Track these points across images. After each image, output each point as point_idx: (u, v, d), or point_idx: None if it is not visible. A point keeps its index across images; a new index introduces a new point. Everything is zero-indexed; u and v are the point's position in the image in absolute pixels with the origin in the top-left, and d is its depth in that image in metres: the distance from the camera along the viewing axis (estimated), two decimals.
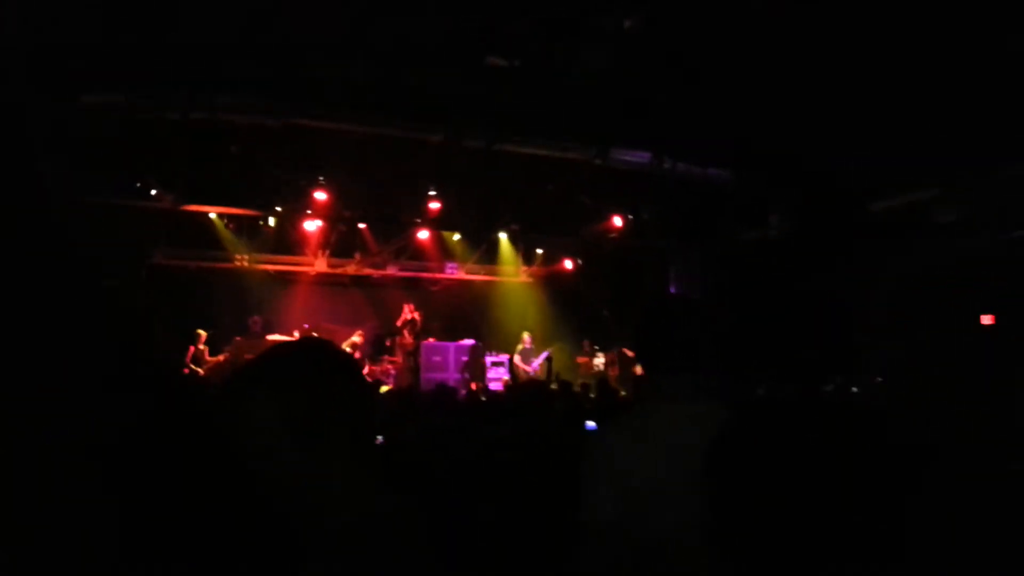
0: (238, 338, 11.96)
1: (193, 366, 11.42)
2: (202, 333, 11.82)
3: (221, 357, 11.74)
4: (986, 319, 9.58)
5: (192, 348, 11.67)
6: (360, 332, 13.01)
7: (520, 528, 2.93)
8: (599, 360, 13.31)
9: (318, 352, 1.40)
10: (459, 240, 14.36)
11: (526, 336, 13.79)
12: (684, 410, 1.90)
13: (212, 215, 12.34)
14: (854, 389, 8.89)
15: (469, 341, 13.33)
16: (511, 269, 15.51)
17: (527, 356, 13.46)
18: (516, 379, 11.40)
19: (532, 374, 12.71)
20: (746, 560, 1.05)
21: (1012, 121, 8.54)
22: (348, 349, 12.62)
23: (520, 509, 3.09)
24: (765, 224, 11.64)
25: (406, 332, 13.22)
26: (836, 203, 10.80)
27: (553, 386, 8.15)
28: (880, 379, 9.37)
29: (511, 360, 13.12)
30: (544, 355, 13.33)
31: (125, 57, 7.48)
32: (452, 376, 12.55)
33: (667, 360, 1.98)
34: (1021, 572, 1.53)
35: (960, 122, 8.71)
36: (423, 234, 13.67)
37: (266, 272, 13.60)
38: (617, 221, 12.69)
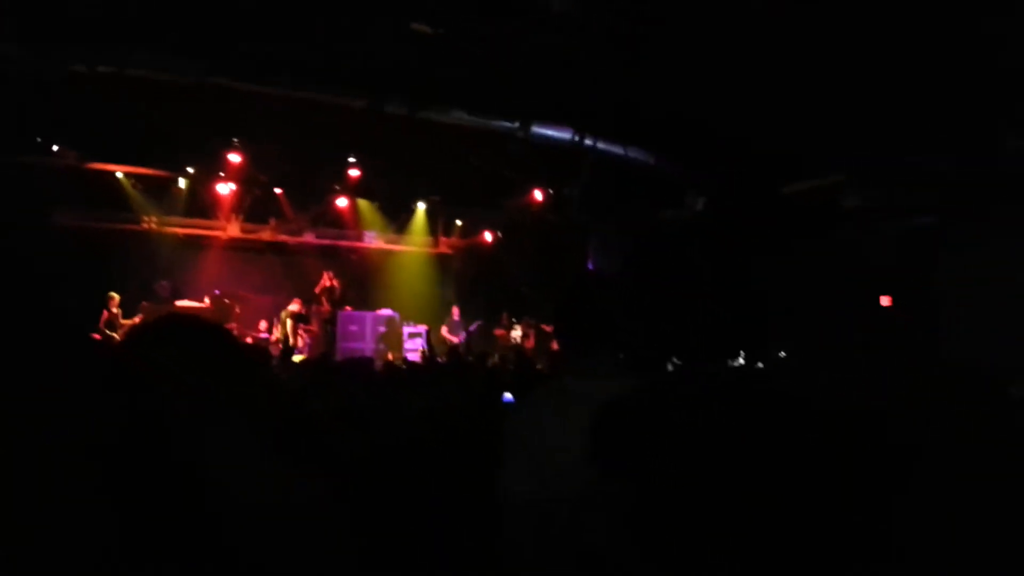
0: (145, 303, 11.52)
1: (107, 331, 10.96)
2: (115, 296, 11.31)
3: (136, 320, 11.27)
4: (885, 300, 10.08)
5: (105, 312, 11.17)
6: (297, 300, 12.73)
7: (437, 504, 2.91)
8: (516, 333, 13.40)
9: (183, 330, 1.31)
10: (379, 209, 14.17)
11: (455, 309, 13.75)
12: (600, 387, 1.91)
13: (119, 174, 11.80)
14: (759, 365, 9.26)
15: (387, 311, 13.22)
16: (431, 240, 15.44)
17: (455, 329, 13.43)
18: (433, 351, 11.38)
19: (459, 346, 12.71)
20: (642, 536, 1.08)
21: (916, 111, 8.95)
22: (288, 319, 12.35)
23: (436, 484, 3.07)
24: (683, 204, 11.88)
25: (324, 300, 13.00)
26: (750, 185, 11.11)
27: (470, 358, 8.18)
28: (783, 354, 9.77)
29: (428, 332, 13.08)
30: (473, 327, 13.33)
31: (27, 5, 7.04)
32: (369, 346, 12.43)
33: (585, 337, 1.99)
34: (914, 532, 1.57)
35: (868, 110, 9.06)
36: (342, 202, 13.45)
37: (175, 235, 13.12)
38: (538, 195, 12.74)
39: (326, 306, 12.76)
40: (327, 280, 13.09)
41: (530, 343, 12.95)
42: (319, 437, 3.45)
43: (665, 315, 9.65)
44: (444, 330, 13.42)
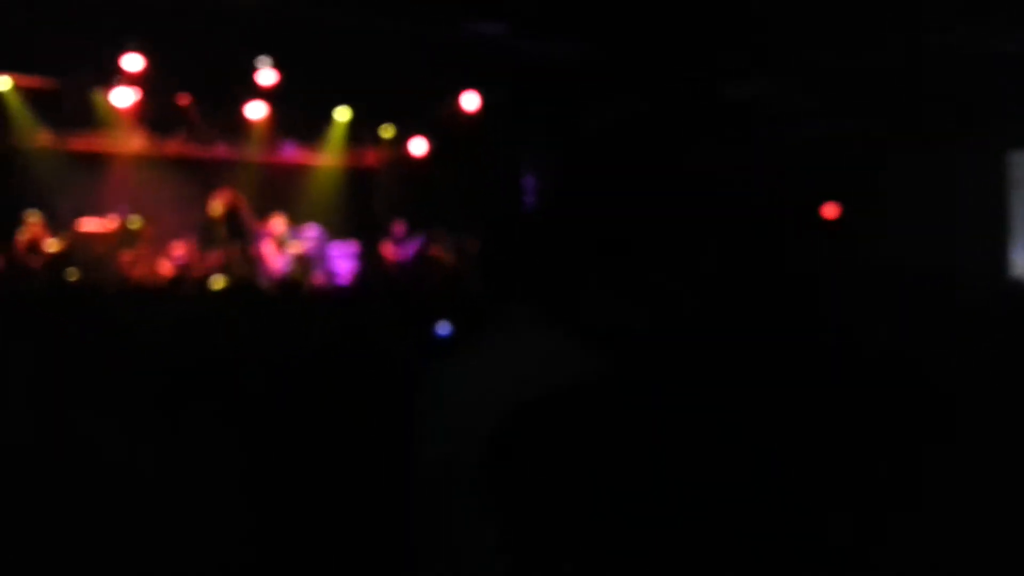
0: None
1: (30, 253, 10.07)
2: (36, 214, 10.37)
3: (63, 245, 10.34)
4: (829, 210, 10.06)
5: (23, 235, 10.26)
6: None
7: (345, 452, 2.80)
8: (451, 248, 13.02)
9: None
10: (299, 118, 13.35)
11: (399, 224, 13.07)
12: (528, 340, 1.85)
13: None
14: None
15: (311, 228, 12.57)
16: (356, 152, 14.73)
17: (398, 244, 12.83)
18: (376, 271, 10.88)
19: (403, 263, 12.23)
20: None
21: (858, 11, 8.71)
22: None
23: (348, 429, 2.96)
24: (620, 108, 11.54)
25: (225, 222, 12.01)
26: (688, 87, 10.84)
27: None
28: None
29: (364, 250, 12.51)
30: (419, 241, 12.79)
31: None
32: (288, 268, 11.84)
33: (512, 286, 1.93)
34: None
35: (805, 11, 8.81)
36: (257, 111, 12.58)
37: (70, 152, 12.07)
38: (467, 103, 12.25)
39: (224, 227, 11.79)
40: (228, 199, 11.95)
41: (465, 261, 12.59)
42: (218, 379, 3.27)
43: (600, 254, 9.43)
44: (385, 247, 12.83)
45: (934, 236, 8.63)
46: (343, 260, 12.15)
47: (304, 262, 11.80)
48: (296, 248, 11.95)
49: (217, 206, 11.60)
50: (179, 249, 11.80)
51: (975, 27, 8.32)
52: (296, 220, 12.76)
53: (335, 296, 6.90)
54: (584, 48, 10.85)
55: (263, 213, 12.66)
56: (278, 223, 12.28)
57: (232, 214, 11.64)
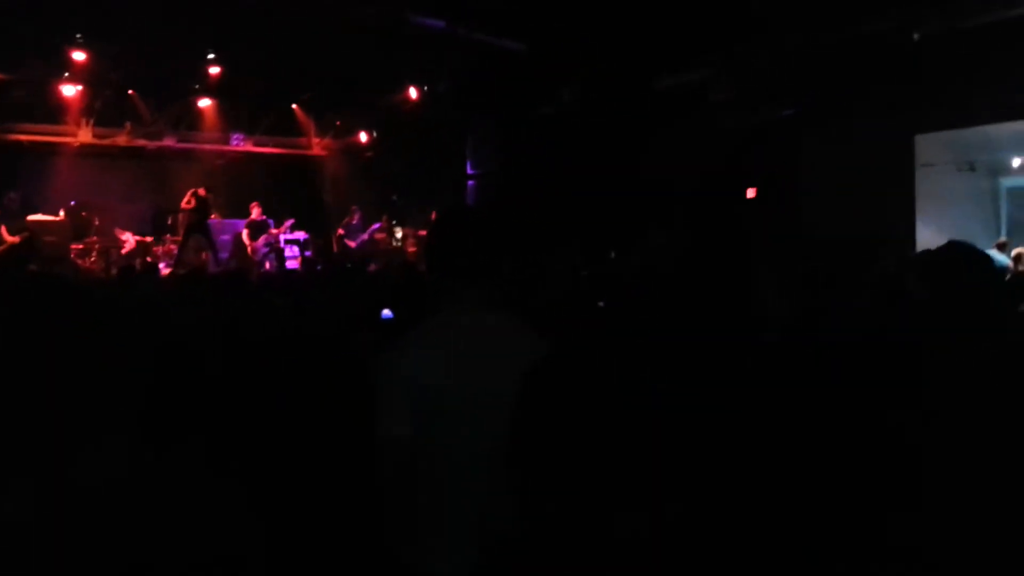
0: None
1: None
2: None
3: (17, 238, 10.29)
4: (750, 192, 10.54)
5: None
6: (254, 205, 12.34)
7: (311, 435, 2.85)
8: (398, 235, 13.26)
9: None
10: (246, 110, 13.43)
11: (356, 213, 13.24)
12: (478, 320, 1.94)
13: None
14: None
15: (259, 218, 12.71)
16: (303, 141, 14.84)
17: (353, 233, 13.04)
18: (326, 258, 10.98)
19: (352, 249, 12.40)
20: (542, 484, 1.12)
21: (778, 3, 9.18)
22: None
23: (303, 409, 2.99)
24: (557, 98, 11.85)
25: (190, 212, 12.19)
26: (623, 79, 11.17)
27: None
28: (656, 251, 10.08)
29: (313, 238, 12.68)
30: (374, 227, 13.00)
31: None
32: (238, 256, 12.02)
33: (459, 271, 1.97)
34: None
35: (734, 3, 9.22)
36: (204, 102, 12.68)
37: (19, 143, 12.05)
38: (413, 92, 12.40)
39: (191, 219, 11.91)
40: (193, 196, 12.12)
41: (412, 248, 12.83)
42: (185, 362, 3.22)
43: (535, 227, 9.70)
44: (338, 234, 13.04)
45: (849, 212, 9.16)
46: (292, 246, 12.32)
47: (278, 250, 12.04)
48: (271, 236, 12.21)
49: (189, 197, 11.76)
50: (129, 239, 11.92)
51: (885, 17, 8.81)
52: (245, 212, 12.90)
53: (286, 281, 7.13)
54: (523, 41, 11.01)
55: (216, 203, 12.79)
56: (255, 212, 12.54)
57: (200, 206, 11.77)
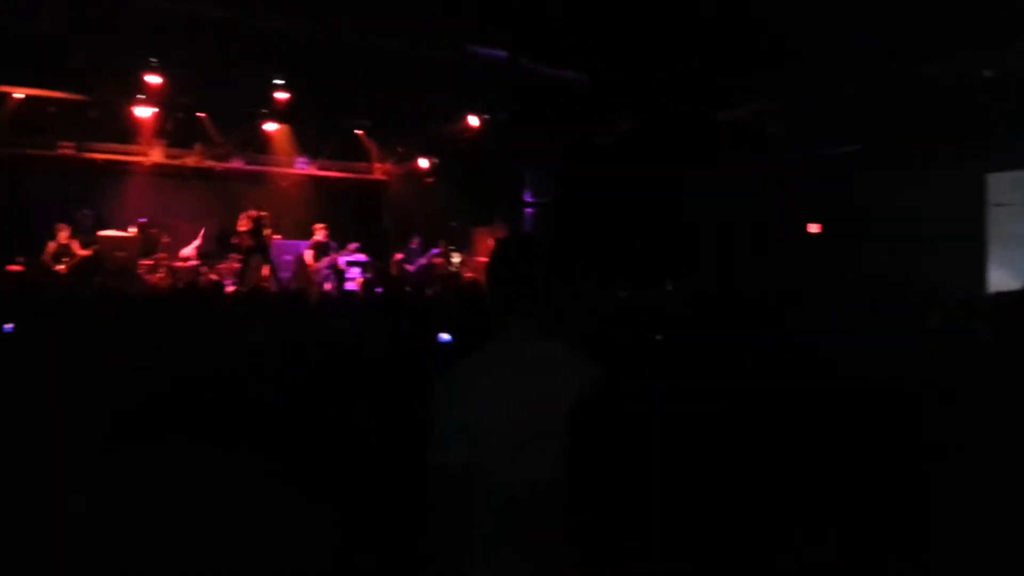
0: (101, 233, 11.18)
1: (53, 263, 10.50)
2: (64, 227, 10.83)
3: (89, 252, 10.79)
4: (813, 228, 10.34)
5: (51, 244, 10.69)
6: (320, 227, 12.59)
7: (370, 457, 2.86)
8: (456, 261, 13.34)
9: None
10: (311, 134, 13.76)
11: (415, 238, 13.43)
12: (535, 349, 1.94)
13: (17, 95, 11.14)
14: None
15: (324, 239, 12.94)
16: (365, 166, 15.12)
17: (412, 257, 13.19)
18: (384, 280, 11.12)
19: (411, 273, 12.55)
20: (597, 518, 1.12)
21: (843, 40, 9.05)
22: (188, 253, 12.01)
23: (360, 433, 3.00)
24: (616, 128, 11.86)
25: (248, 233, 12.49)
26: (684, 111, 11.14)
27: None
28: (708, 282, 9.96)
29: (373, 260, 12.86)
30: (433, 251, 13.13)
31: None
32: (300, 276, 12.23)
33: (517, 302, 1.98)
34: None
35: (797, 39, 9.13)
36: (271, 126, 13.03)
37: (94, 162, 12.54)
38: (473, 121, 12.54)
39: (248, 241, 12.22)
40: (252, 216, 12.43)
41: (468, 273, 12.89)
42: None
43: (594, 254, 9.67)
44: (397, 258, 13.20)
45: (915, 252, 8.91)
46: (353, 268, 12.51)
47: (339, 272, 12.27)
48: (333, 259, 12.45)
49: (244, 220, 12.08)
50: (195, 257, 12.28)
51: (955, 54, 8.62)
52: (308, 233, 13.17)
53: (345, 302, 7.23)
54: (583, 72, 11.08)
55: (281, 224, 13.12)
56: (319, 233, 12.82)
57: (257, 228, 12.09)
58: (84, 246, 10.80)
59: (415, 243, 13.38)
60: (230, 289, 9.47)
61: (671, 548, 1.11)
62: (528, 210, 13.53)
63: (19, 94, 11.11)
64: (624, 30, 9.31)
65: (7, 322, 3.70)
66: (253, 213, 12.20)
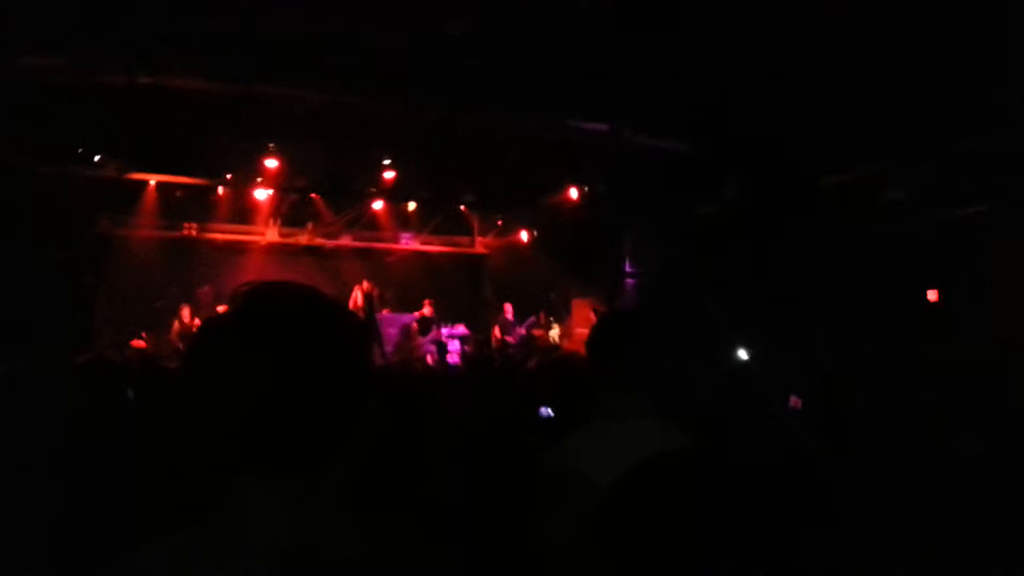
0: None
1: (180, 343, 11.09)
2: (187, 306, 11.51)
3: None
4: (932, 295, 9.80)
5: (176, 323, 11.34)
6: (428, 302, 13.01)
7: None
8: (554, 333, 13.31)
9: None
10: (414, 210, 14.20)
11: (507, 306, 13.61)
12: (639, 428, 1.89)
13: (151, 182, 11.98)
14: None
15: (431, 314, 13.19)
16: (467, 240, 15.43)
17: (507, 328, 13.33)
18: (483, 352, 11.21)
19: (515, 343, 12.64)
20: None
21: (963, 98, 8.68)
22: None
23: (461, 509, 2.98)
24: (720, 198, 11.70)
25: (374, 307, 12.92)
26: (789, 177, 10.89)
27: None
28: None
29: (472, 333, 13.00)
30: (530, 320, 13.26)
31: (67, 17, 7.13)
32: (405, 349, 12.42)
33: (621, 377, 1.95)
34: None
35: (912, 99, 8.82)
36: (377, 204, 13.51)
37: (215, 241, 13.28)
38: (573, 193, 12.64)
39: (360, 316, 12.64)
40: (363, 289, 12.89)
41: (568, 345, 12.83)
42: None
43: (700, 333, 9.42)
44: (496, 330, 13.33)
45: None
46: (453, 341, 12.66)
47: (440, 344, 12.48)
48: (436, 333, 12.70)
49: (357, 295, 12.51)
50: None
51: None
52: (411, 307, 13.47)
53: (446, 375, 7.28)
54: (685, 141, 11.04)
55: (385, 297, 13.48)
56: (427, 308, 13.14)
57: (368, 302, 12.49)
58: (199, 321, 11.32)
59: (507, 313, 13.48)
60: None
61: None
62: (629, 280, 13.41)
63: (153, 181, 11.94)
64: (728, 97, 9.25)
65: (128, 391, 3.85)
66: (364, 288, 12.60)
